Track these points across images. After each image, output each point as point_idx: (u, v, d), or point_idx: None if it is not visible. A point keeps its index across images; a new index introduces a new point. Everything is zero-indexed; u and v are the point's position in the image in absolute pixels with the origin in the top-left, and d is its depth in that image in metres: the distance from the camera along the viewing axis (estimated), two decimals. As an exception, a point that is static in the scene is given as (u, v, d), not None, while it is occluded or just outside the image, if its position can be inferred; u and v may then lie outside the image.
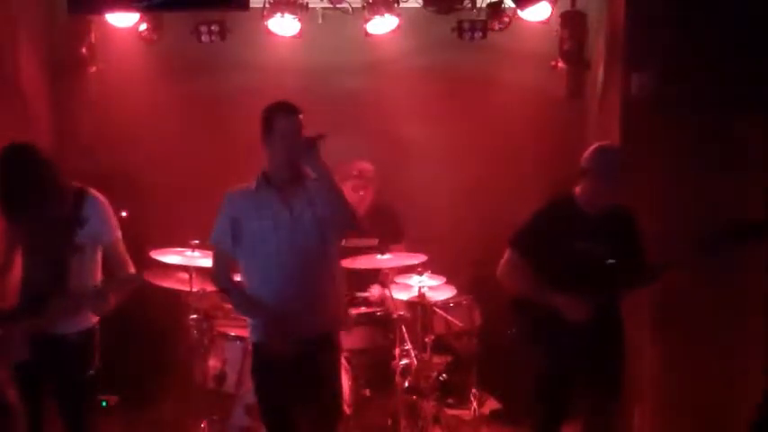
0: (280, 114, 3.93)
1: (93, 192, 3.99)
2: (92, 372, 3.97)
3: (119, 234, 4.08)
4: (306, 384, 3.91)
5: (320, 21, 6.60)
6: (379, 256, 5.52)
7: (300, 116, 3.95)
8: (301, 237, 3.94)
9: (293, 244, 3.93)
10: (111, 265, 4.06)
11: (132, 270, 4.10)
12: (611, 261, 4.16)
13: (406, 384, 5.56)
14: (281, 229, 3.94)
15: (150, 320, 6.08)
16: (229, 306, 5.70)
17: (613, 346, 4.26)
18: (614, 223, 4.22)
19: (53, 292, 3.77)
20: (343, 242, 4.42)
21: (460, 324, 5.70)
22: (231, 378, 5.26)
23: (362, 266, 5.53)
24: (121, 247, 4.09)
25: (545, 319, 4.17)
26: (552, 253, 4.16)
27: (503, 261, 4.31)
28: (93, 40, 6.40)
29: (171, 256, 5.40)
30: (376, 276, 5.90)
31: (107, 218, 4.00)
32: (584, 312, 4.09)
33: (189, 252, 5.39)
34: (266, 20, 6.20)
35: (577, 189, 4.27)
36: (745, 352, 4.87)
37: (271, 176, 4.02)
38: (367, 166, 6.09)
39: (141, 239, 5.55)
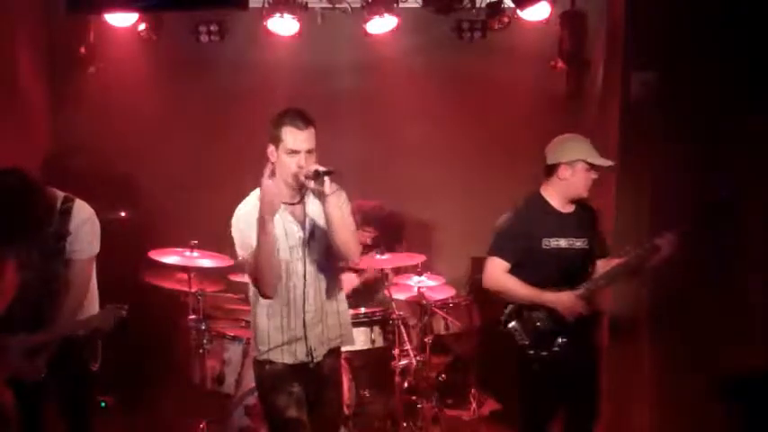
0: (289, 128, 3.63)
1: (80, 203, 3.88)
2: (92, 371, 3.96)
3: (92, 253, 3.88)
4: (309, 390, 3.86)
5: (319, 21, 6.61)
6: (378, 256, 5.52)
7: (312, 129, 3.67)
8: (314, 254, 3.79)
9: (307, 262, 3.76)
10: (68, 279, 3.82)
11: (81, 300, 3.86)
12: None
13: (406, 385, 5.56)
14: (294, 247, 3.76)
15: (149, 321, 6.06)
16: (229, 306, 5.72)
17: (592, 371, 4.28)
18: (583, 218, 4.24)
19: (47, 306, 3.75)
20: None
21: (460, 324, 5.69)
22: (230, 379, 5.25)
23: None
24: (85, 272, 3.87)
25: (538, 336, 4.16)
26: (532, 253, 4.15)
27: (488, 271, 4.24)
28: (92, 39, 6.41)
29: (170, 257, 5.39)
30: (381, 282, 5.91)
31: (86, 233, 3.85)
32: (579, 307, 4.09)
33: (188, 252, 5.38)
34: (266, 20, 6.20)
35: (545, 186, 4.24)
36: (745, 352, 4.86)
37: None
38: (367, 204, 6.05)
39: (140, 239, 5.56)
